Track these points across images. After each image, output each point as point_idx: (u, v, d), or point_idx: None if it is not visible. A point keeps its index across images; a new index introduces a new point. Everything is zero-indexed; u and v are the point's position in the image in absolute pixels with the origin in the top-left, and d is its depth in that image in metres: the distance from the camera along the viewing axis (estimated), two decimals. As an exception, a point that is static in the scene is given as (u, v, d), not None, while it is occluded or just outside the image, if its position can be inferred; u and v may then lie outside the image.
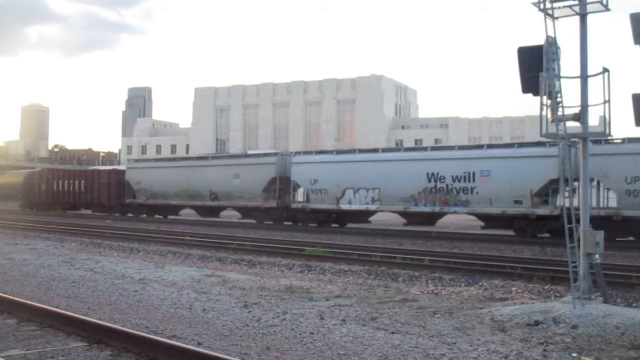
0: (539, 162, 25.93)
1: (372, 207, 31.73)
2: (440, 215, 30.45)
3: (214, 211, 40.71)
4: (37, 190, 51.99)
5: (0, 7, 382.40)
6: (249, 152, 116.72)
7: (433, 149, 33.74)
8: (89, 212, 49.04)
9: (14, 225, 31.65)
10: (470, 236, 26.99)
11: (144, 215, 43.13)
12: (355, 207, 31.91)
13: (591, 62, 9.70)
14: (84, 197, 47.56)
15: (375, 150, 35.41)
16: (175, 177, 40.94)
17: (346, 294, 11.52)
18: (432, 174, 28.91)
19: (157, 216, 43.03)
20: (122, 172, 46.32)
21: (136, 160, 51.53)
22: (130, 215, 44.26)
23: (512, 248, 22.51)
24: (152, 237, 24.89)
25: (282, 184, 34.93)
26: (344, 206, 32.18)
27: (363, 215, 33.81)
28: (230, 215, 41.68)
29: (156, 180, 42.13)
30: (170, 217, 43.08)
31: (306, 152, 39.76)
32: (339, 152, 37.46)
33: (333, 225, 33.64)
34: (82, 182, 47.68)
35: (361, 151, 35.34)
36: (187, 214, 44.43)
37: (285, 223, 35.06)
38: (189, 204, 41.52)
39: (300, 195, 34.80)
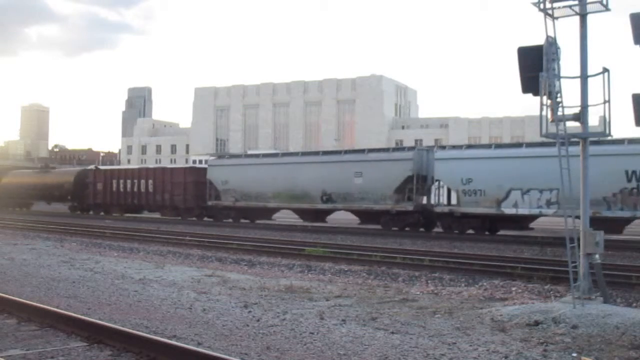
0: None
1: (548, 212, 26.23)
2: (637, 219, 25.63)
3: (324, 214, 34.93)
4: (92, 190, 46.09)
5: (0, 7, 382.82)
6: (249, 152, 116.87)
7: (631, 142, 26.44)
8: (157, 215, 43.21)
9: (14, 225, 31.64)
10: (470, 236, 26.97)
11: (230, 220, 37.34)
12: (523, 211, 26.56)
13: (591, 62, 9.71)
14: (152, 198, 41.98)
15: (548, 144, 30.43)
16: (276, 175, 34.97)
17: (346, 294, 11.52)
18: (634, 172, 24.12)
19: (243, 221, 37.35)
20: (203, 170, 40.58)
21: (220, 157, 42.90)
22: (207, 219, 38.97)
23: (512, 248, 22.51)
24: (152, 237, 24.88)
25: (419, 184, 29.91)
26: (508, 210, 26.72)
27: (526, 221, 28.82)
28: (340, 219, 36.20)
29: (249, 179, 36.05)
30: (259, 221, 36.94)
31: (454, 147, 33.81)
32: (498, 146, 31.18)
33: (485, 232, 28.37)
34: (150, 181, 42.01)
35: (529, 145, 29.30)
36: (281, 217, 39.03)
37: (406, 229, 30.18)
38: (292, 206, 35.45)
39: (443, 197, 29.71)
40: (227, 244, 22.11)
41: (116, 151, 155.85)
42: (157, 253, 19.55)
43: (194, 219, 39.63)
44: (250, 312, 9.61)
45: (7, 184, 55.24)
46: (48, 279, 13.04)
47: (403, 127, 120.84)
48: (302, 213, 35.48)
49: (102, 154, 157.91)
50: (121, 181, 44.10)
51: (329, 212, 34.81)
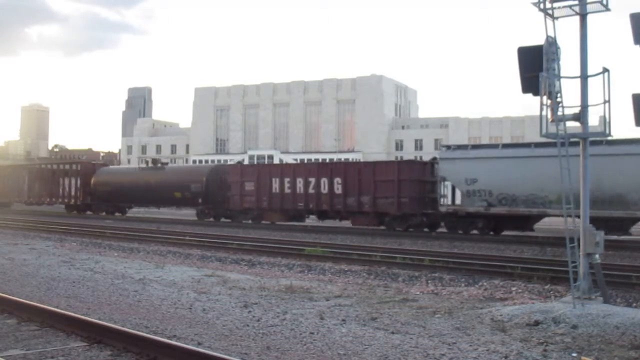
0: None
1: None
2: None
3: (630, 224, 25.13)
4: (238, 192, 35.78)
5: (1, 7, 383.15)
6: (249, 152, 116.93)
7: None
8: (346, 223, 33.03)
9: (14, 225, 31.64)
10: (470, 236, 26.95)
11: (459, 232, 27.94)
12: None
13: (591, 62, 9.72)
14: (341, 202, 31.84)
15: None
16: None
17: (346, 294, 11.52)
18: None
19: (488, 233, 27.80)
20: (425, 165, 31.83)
21: (457, 147, 30.87)
22: (427, 230, 29.49)
23: (512, 248, 22.51)
24: (152, 237, 24.86)
25: None
26: None
27: None
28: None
29: (517, 177, 26.44)
30: (507, 233, 28.00)
31: None
32: None
33: None
34: (338, 179, 32.05)
35: None
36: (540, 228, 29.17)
37: None
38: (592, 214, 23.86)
39: None
40: (227, 244, 22.10)
41: (116, 151, 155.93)
42: (157, 253, 19.55)
43: (411, 229, 29.59)
44: (250, 312, 9.62)
45: (99, 184, 45.56)
46: (48, 279, 13.04)
47: (403, 127, 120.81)
48: (606, 222, 23.48)
49: (102, 154, 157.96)
50: (287, 180, 34.14)
51: None
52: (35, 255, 17.72)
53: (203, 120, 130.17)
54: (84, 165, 50.56)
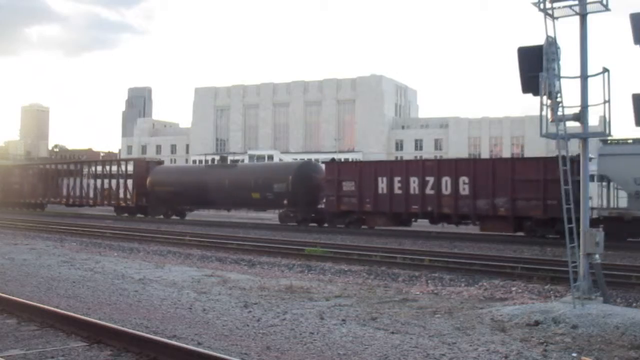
0: None
1: None
2: None
3: None
4: (334, 192, 31.15)
5: (1, 7, 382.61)
6: (249, 152, 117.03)
7: None
8: (465, 230, 29.48)
9: (14, 225, 31.64)
10: (470, 236, 26.95)
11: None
12: None
13: (591, 62, 9.73)
14: (469, 204, 27.49)
15: None
16: None
17: (346, 294, 11.52)
18: None
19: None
20: (573, 163, 23.24)
21: (618, 141, 25.80)
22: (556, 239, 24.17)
23: (512, 248, 22.51)
24: (152, 237, 24.86)
25: None
26: None
27: None
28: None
29: None
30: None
31: None
32: None
33: None
34: (464, 179, 27.76)
35: None
36: None
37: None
38: None
39: None
40: (227, 244, 22.11)
41: (116, 151, 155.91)
42: (157, 253, 19.55)
43: (542, 235, 25.74)
44: (250, 312, 9.62)
45: (156, 184, 40.97)
46: (48, 279, 13.04)
47: (403, 127, 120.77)
48: None
49: (102, 154, 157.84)
50: (397, 179, 29.62)
51: None
52: (35, 255, 17.72)
53: (203, 120, 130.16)
54: (138, 164, 45.69)
